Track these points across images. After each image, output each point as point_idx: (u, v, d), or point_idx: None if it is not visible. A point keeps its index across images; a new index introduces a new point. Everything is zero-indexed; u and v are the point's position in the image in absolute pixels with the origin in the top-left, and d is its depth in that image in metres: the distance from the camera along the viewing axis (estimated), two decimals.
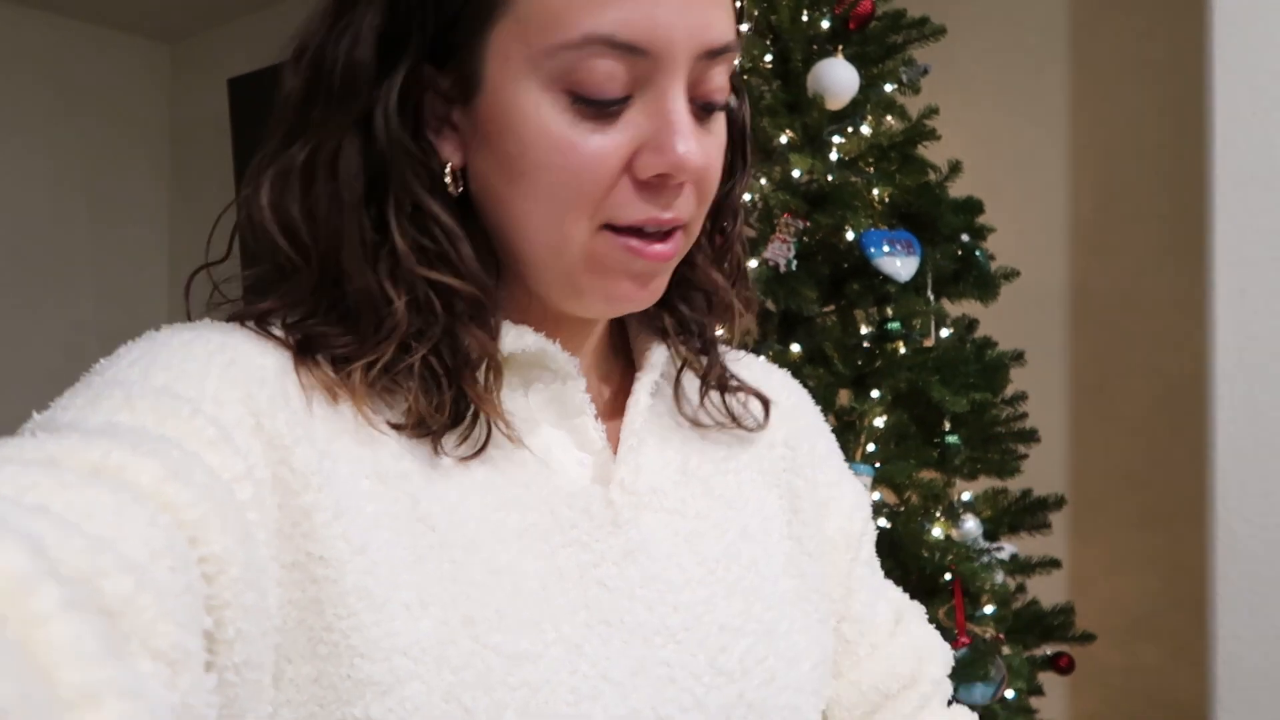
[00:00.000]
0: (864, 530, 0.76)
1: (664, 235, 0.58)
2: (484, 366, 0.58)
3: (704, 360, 0.69)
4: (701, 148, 0.56)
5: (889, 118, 1.89)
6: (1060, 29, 2.38)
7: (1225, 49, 1.72)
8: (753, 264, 1.76)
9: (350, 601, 0.50)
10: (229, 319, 0.57)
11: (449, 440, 0.57)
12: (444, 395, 0.56)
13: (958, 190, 1.91)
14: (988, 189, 1.98)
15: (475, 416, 0.57)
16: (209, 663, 0.43)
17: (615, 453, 0.63)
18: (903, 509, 1.78)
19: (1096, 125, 2.33)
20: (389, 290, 0.55)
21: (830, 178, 1.79)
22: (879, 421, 1.74)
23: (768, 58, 1.89)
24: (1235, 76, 1.79)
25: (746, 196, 1.78)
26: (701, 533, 0.63)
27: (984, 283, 1.85)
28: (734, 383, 0.71)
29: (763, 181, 1.80)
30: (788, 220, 1.76)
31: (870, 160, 1.85)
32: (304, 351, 0.56)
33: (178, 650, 0.36)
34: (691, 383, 0.69)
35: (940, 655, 0.78)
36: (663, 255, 0.58)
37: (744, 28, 1.87)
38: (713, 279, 0.67)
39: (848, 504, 0.75)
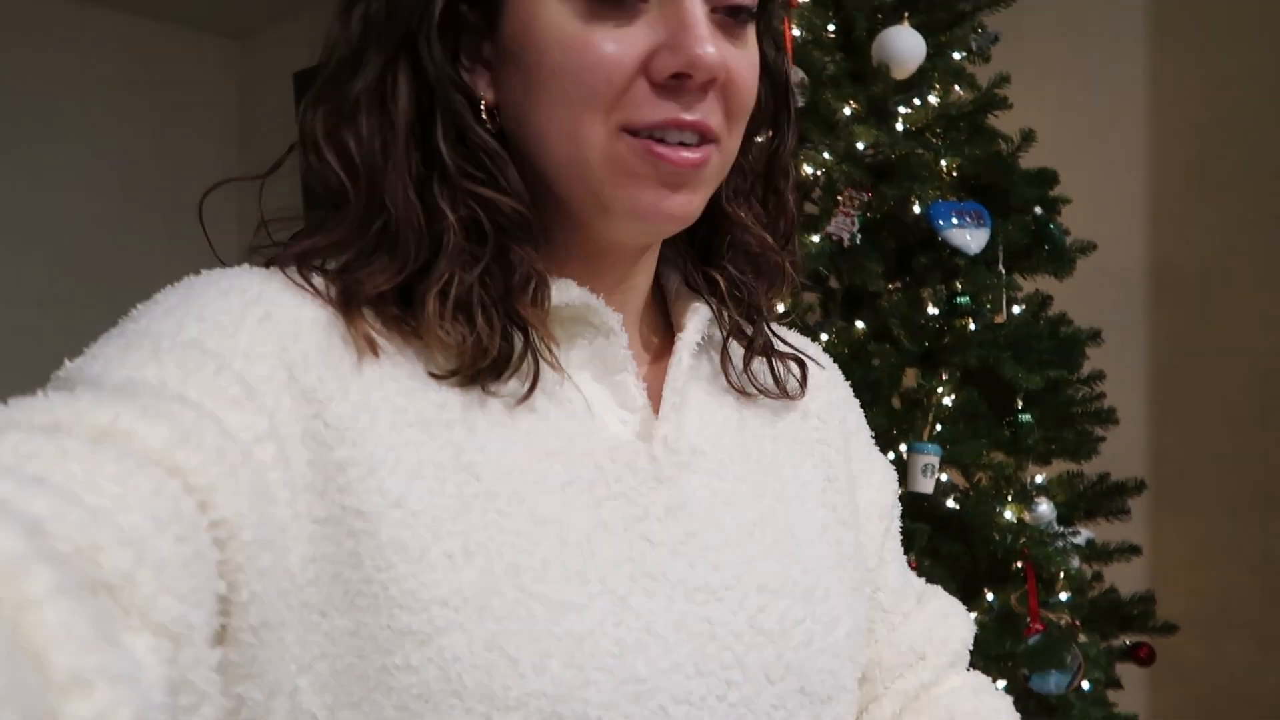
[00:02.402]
0: (893, 504, 0.78)
1: (694, 146, 0.57)
2: (533, 287, 0.58)
3: (750, 326, 0.68)
4: (721, 51, 0.56)
5: (957, 87, 1.83)
6: None
7: None
8: (815, 238, 1.71)
9: (388, 554, 0.50)
10: (270, 262, 0.57)
11: (498, 385, 0.57)
12: (494, 326, 0.56)
13: (1030, 162, 1.84)
14: (1062, 161, 1.90)
15: (525, 351, 0.57)
16: (223, 625, 0.43)
17: (656, 412, 0.62)
18: (972, 491, 1.72)
19: (1178, 94, 2.23)
20: (443, 206, 0.56)
21: (896, 149, 1.73)
22: (948, 400, 1.69)
23: (830, 27, 1.84)
24: None
25: (809, 169, 1.75)
26: (740, 495, 0.63)
27: (1058, 257, 1.78)
28: (780, 348, 0.70)
29: (826, 155, 1.75)
30: (851, 193, 1.71)
31: (938, 131, 1.79)
32: (347, 302, 0.55)
33: (179, 624, 0.36)
34: (736, 349, 0.69)
35: (966, 622, 0.79)
36: (689, 162, 0.57)
37: None
38: (761, 238, 0.67)
39: (878, 478, 0.76)
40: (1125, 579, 1.92)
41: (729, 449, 0.65)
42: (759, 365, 0.69)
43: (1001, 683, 1.60)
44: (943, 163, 1.74)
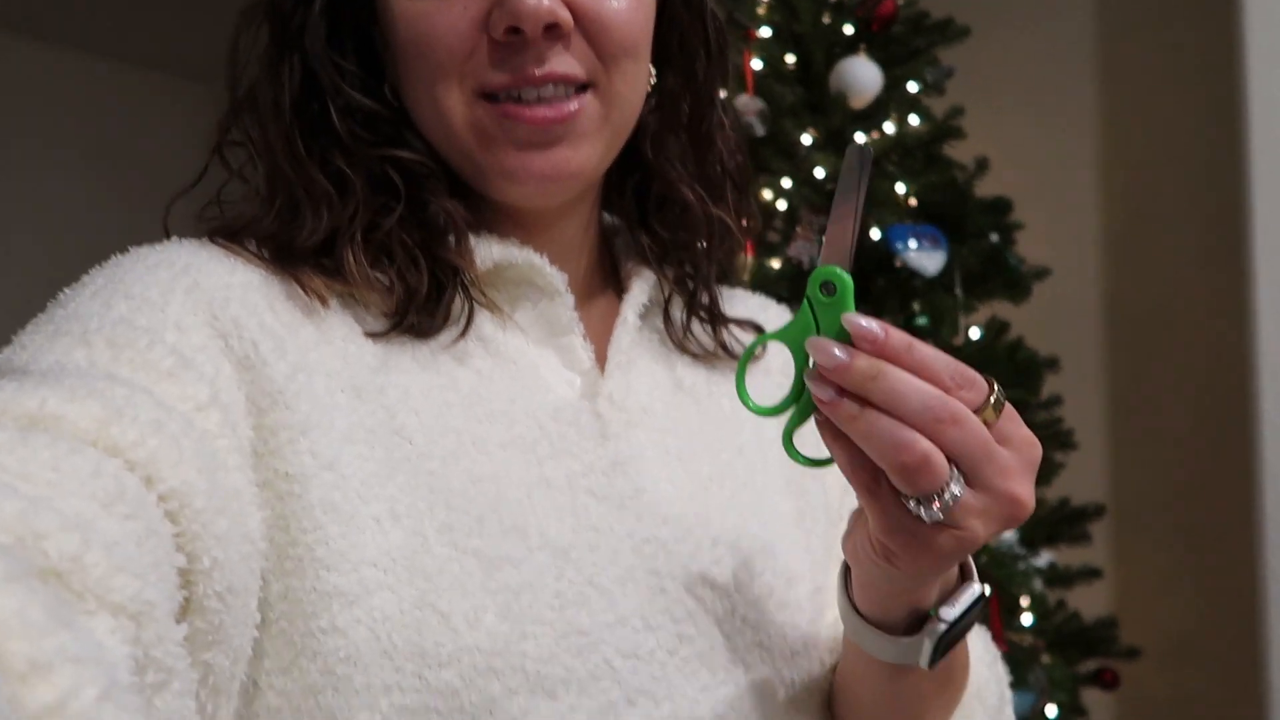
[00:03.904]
0: None
1: (565, 98, 0.56)
2: (455, 235, 0.58)
3: (691, 284, 0.67)
4: None
5: (913, 118, 1.87)
6: (1088, 32, 2.36)
7: (1259, 51, 1.69)
8: (775, 263, 1.73)
9: (316, 515, 0.50)
10: (206, 235, 0.58)
11: (436, 331, 0.57)
12: (420, 267, 0.56)
13: (985, 193, 1.87)
14: (1015, 194, 1.94)
15: (456, 290, 0.57)
16: (188, 597, 0.42)
17: (603, 373, 0.62)
18: None
19: (1127, 130, 2.30)
20: (345, 169, 0.57)
21: None
22: None
23: (790, 58, 1.88)
24: (1271, 78, 1.76)
25: (769, 196, 1.77)
26: (695, 451, 0.62)
27: (1015, 283, 1.80)
28: (724, 315, 0.69)
29: (786, 182, 1.78)
30: (811, 218, 1.74)
31: (895, 159, 1.82)
32: (283, 260, 0.56)
33: (137, 602, 0.36)
34: (681, 311, 0.68)
35: None
36: (549, 119, 0.56)
37: (765, 31, 1.88)
38: (683, 194, 0.65)
39: None
40: (1088, 606, 1.92)
41: (682, 407, 0.64)
42: (699, 327, 0.68)
43: None
44: (900, 188, 1.77)
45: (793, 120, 1.82)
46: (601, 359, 0.62)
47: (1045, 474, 1.83)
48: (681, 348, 0.67)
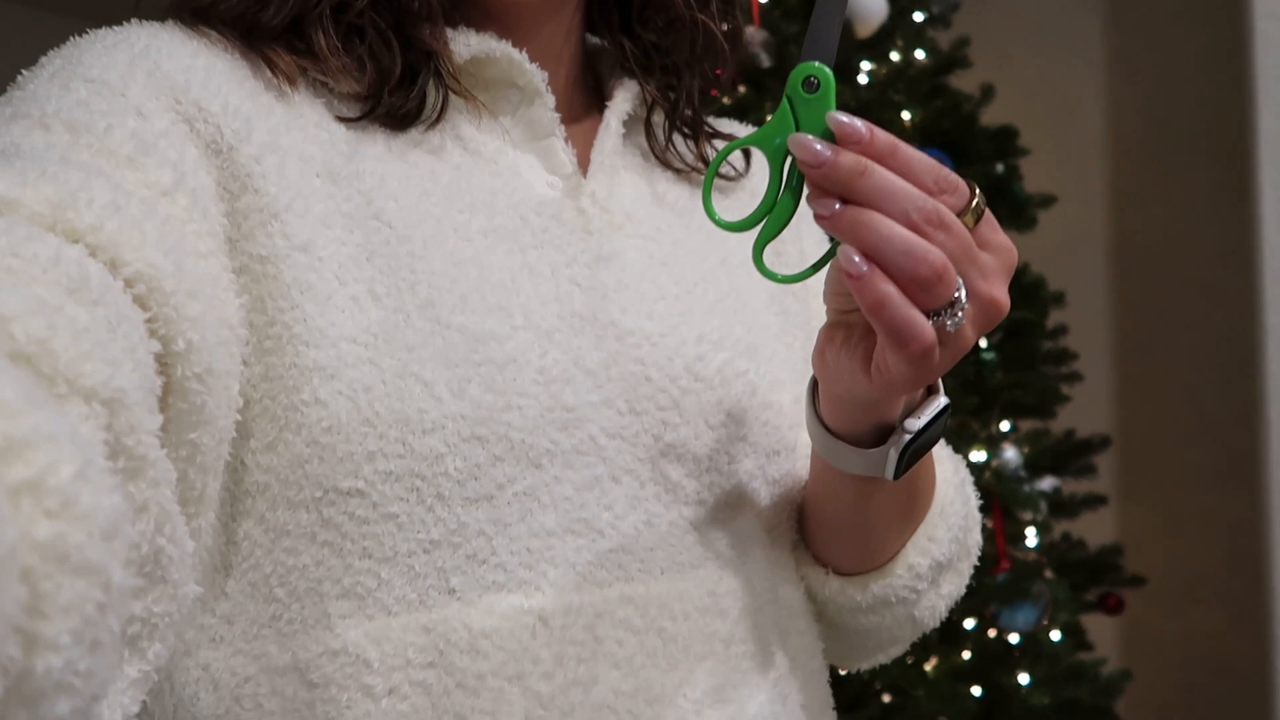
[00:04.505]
0: None
1: None
2: (428, 16, 0.56)
3: (672, 97, 0.66)
4: None
5: (918, 51, 1.87)
6: None
7: None
8: None
9: (292, 295, 0.49)
10: (167, 10, 0.56)
11: (408, 134, 0.56)
12: (393, 48, 0.55)
13: (990, 123, 1.87)
14: (1021, 126, 1.94)
15: (431, 73, 0.56)
16: (167, 382, 0.42)
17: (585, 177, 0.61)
18: None
19: (1135, 62, 2.29)
20: None
21: (859, 104, 1.76)
22: None
23: None
24: (1278, 11, 1.75)
25: None
26: (679, 258, 0.61)
27: (1020, 211, 1.80)
28: (708, 129, 0.68)
29: None
30: None
31: (901, 88, 1.82)
32: (250, 39, 0.54)
33: (108, 388, 0.34)
34: (663, 123, 0.66)
35: None
36: None
37: None
38: None
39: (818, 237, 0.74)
40: (1093, 538, 1.92)
41: (666, 218, 0.63)
42: (681, 142, 0.67)
43: (970, 622, 1.59)
44: (905, 115, 1.77)
45: (798, 49, 1.82)
46: (584, 166, 0.61)
47: (1050, 404, 1.83)
48: (664, 162, 0.66)
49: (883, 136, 0.44)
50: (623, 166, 0.63)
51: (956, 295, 0.44)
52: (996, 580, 1.55)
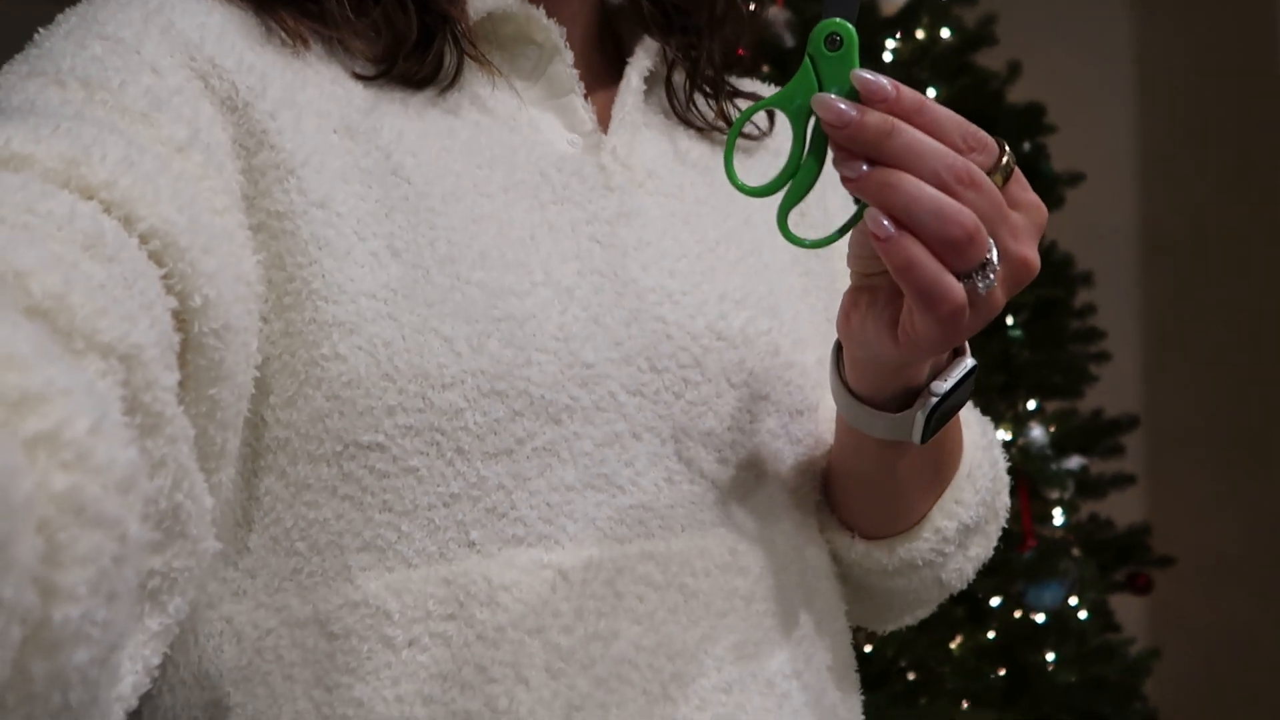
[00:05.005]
0: None
1: None
2: None
3: (693, 55, 0.65)
4: None
5: (944, 29, 1.86)
6: None
7: None
8: None
9: (310, 250, 0.49)
10: None
11: (425, 92, 0.55)
12: (409, 16, 0.54)
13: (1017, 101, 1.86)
14: (1049, 104, 1.92)
15: (446, 41, 0.55)
16: (184, 339, 0.41)
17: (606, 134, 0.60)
18: None
19: (1163, 42, 2.26)
20: None
21: None
22: None
23: None
24: None
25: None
26: (701, 216, 0.61)
27: (1049, 189, 1.79)
28: (730, 88, 0.67)
29: None
30: None
31: (926, 66, 1.81)
32: (260, 5, 0.54)
33: (125, 344, 0.34)
34: (684, 81, 0.66)
35: None
36: None
37: None
38: None
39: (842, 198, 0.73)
40: (1121, 518, 1.91)
41: (689, 176, 0.62)
42: (702, 101, 0.66)
43: (996, 600, 1.59)
44: (931, 93, 1.76)
45: None
46: (604, 125, 0.61)
47: (1077, 384, 1.82)
48: (685, 121, 0.65)
49: (909, 93, 0.43)
50: (644, 124, 0.62)
51: (988, 257, 0.43)
52: (1023, 558, 1.55)
